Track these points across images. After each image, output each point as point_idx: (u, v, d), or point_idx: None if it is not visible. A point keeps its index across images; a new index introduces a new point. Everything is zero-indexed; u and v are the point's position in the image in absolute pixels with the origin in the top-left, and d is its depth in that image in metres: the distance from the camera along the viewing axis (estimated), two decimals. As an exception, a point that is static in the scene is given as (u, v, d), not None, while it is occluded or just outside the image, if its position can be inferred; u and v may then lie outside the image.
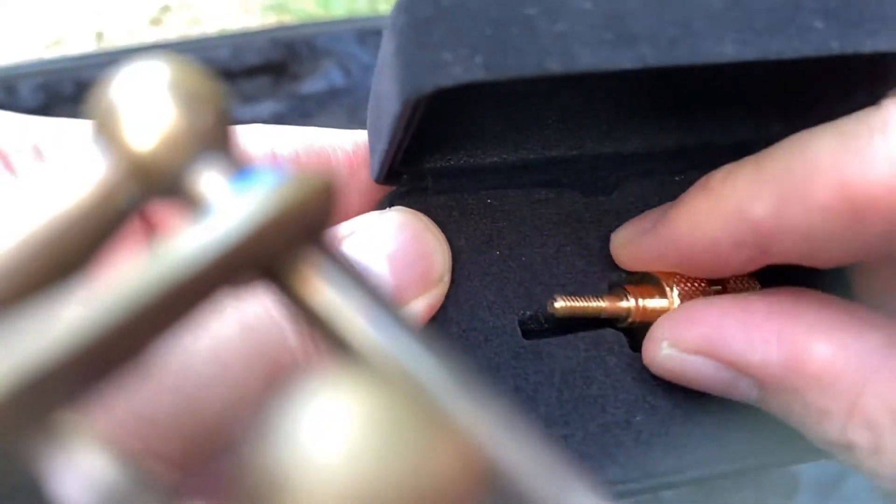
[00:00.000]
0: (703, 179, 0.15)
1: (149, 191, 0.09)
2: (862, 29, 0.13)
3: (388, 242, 0.16)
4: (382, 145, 0.14)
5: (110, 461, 0.08)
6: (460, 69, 0.11)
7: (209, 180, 0.09)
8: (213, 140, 0.09)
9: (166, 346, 0.12)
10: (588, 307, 0.17)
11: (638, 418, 0.17)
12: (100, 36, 0.57)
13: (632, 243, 0.17)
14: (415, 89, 0.11)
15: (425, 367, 0.09)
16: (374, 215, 0.16)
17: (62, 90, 0.35)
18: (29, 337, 0.08)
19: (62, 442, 0.08)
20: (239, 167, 0.09)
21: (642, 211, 0.18)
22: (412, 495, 0.07)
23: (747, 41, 0.12)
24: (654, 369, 0.17)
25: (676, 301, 0.17)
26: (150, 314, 0.08)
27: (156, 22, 0.59)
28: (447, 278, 0.17)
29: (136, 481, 0.08)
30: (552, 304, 0.17)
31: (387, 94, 0.12)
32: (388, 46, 0.12)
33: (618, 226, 0.18)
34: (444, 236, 0.17)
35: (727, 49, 0.12)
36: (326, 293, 0.09)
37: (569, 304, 0.17)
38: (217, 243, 0.08)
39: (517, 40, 0.11)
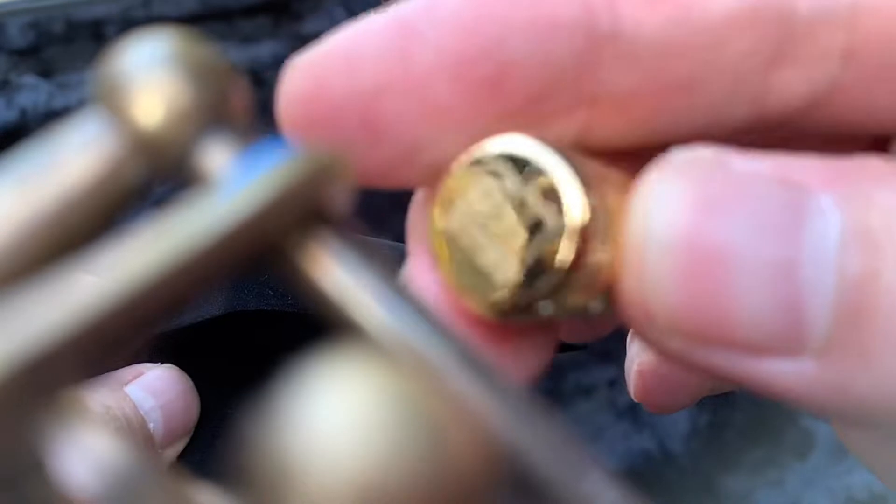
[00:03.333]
0: None
1: (155, 167, 0.09)
2: None
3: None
4: None
5: (117, 442, 0.08)
6: None
7: (217, 156, 0.09)
8: (222, 115, 0.09)
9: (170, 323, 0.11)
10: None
11: None
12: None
13: None
14: None
15: (439, 349, 0.09)
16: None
17: (52, 29, 0.34)
18: (34, 314, 0.08)
19: (68, 421, 0.08)
20: (247, 142, 0.09)
21: None
22: (426, 481, 0.06)
23: None
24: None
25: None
26: (154, 294, 0.08)
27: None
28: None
29: (143, 462, 0.08)
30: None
31: None
32: None
33: None
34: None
35: None
36: (337, 273, 0.09)
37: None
38: (224, 221, 0.08)
39: None
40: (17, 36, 0.35)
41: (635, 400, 0.15)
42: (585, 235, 0.09)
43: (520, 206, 0.09)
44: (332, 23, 0.41)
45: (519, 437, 0.08)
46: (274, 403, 0.07)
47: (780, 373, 0.08)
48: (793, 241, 0.08)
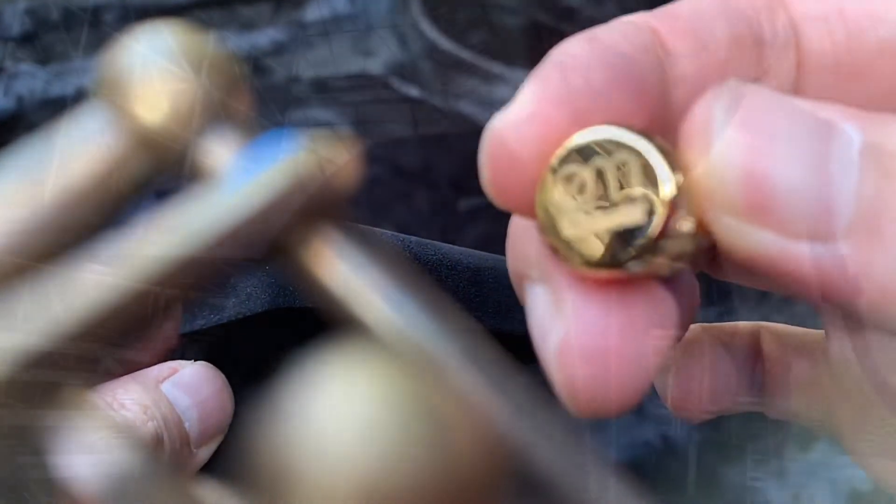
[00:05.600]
0: None
1: (159, 161, 0.09)
2: None
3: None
4: None
5: (121, 440, 0.08)
6: None
7: (220, 151, 0.09)
8: (225, 109, 0.09)
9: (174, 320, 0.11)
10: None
11: None
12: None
13: None
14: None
15: (444, 347, 0.09)
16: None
17: (50, 16, 0.34)
18: (38, 310, 0.08)
19: (73, 419, 0.08)
20: (250, 137, 0.09)
21: None
22: (430, 477, 0.06)
23: None
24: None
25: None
26: (158, 289, 0.08)
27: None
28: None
29: (146, 460, 0.08)
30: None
31: None
32: None
33: None
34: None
35: None
36: (342, 270, 0.09)
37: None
38: (228, 216, 0.08)
39: None
40: (13, 22, 0.34)
41: (669, 405, 0.15)
42: (673, 207, 0.10)
43: (616, 183, 0.11)
44: (333, 10, 0.41)
45: (522, 433, 0.09)
46: (278, 401, 0.07)
47: (813, 253, 0.10)
48: (824, 151, 0.10)
